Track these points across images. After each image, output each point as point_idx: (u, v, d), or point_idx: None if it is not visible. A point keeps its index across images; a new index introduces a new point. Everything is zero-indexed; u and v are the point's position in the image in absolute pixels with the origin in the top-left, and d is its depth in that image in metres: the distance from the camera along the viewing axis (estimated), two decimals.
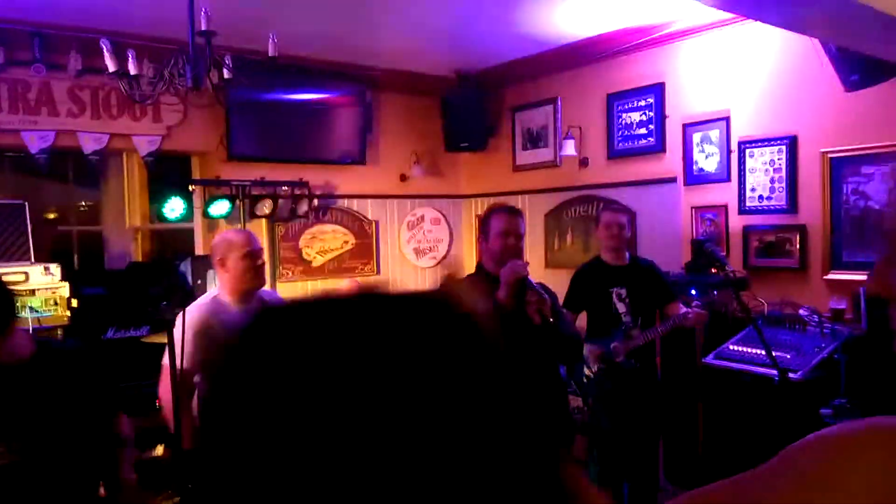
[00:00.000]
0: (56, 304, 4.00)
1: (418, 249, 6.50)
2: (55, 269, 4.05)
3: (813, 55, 3.89)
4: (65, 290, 4.05)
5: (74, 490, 1.97)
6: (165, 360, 2.68)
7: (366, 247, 6.14)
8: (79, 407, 2.01)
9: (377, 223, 6.22)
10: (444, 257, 6.63)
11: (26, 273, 3.94)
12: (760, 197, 4.36)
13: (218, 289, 2.90)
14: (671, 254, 4.76)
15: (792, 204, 4.21)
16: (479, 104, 6.04)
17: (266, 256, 5.50)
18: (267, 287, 3.32)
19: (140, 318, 4.32)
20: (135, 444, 2.42)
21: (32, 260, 4.10)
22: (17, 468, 1.85)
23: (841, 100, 3.85)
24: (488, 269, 2.88)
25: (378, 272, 6.21)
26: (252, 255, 2.84)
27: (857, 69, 3.42)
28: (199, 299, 2.91)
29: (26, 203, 4.22)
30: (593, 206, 5.46)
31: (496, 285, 2.71)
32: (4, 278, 3.80)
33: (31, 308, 3.89)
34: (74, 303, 4.07)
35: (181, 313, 2.71)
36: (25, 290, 3.92)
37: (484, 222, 2.94)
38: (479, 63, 5.79)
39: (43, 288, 3.97)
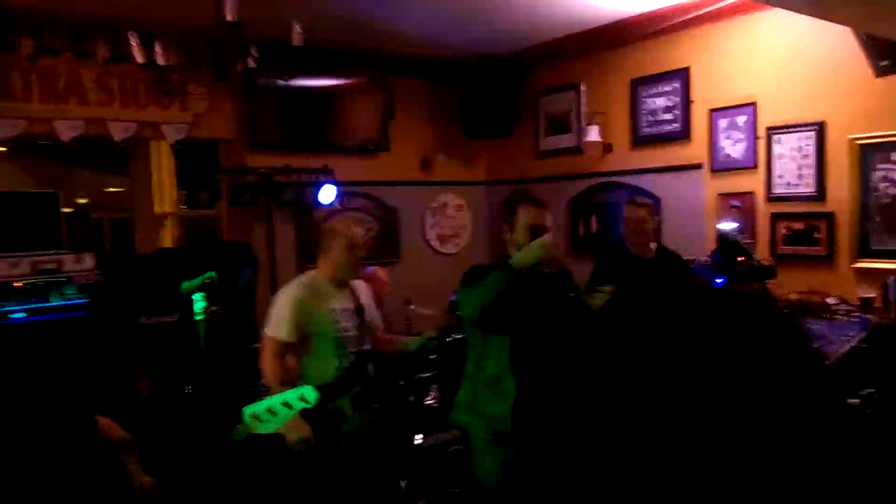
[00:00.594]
0: (89, 290, 4.10)
1: (441, 236, 6.52)
2: (88, 256, 4.14)
3: (842, 40, 3.82)
4: (97, 276, 4.15)
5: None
6: (268, 331, 2.84)
7: (389, 234, 6.18)
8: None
9: (400, 210, 6.25)
10: (468, 244, 6.64)
11: (60, 261, 4.04)
12: (788, 184, 4.31)
13: (317, 270, 3.01)
14: (696, 242, 4.73)
15: (820, 191, 4.16)
16: (502, 90, 6.01)
17: (290, 244, 5.60)
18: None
19: (170, 304, 4.40)
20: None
21: (65, 248, 4.19)
22: None
23: (870, 85, 3.78)
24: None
25: (400, 259, 6.25)
26: (356, 248, 2.94)
27: (886, 55, 3.36)
28: (298, 277, 3.03)
29: (59, 192, 4.31)
30: (617, 193, 5.43)
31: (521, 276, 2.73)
32: (38, 266, 3.93)
33: (65, 295, 3.99)
34: (105, 289, 4.16)
35: (282, 289, 2.92)
36: (59, 279, 4.02)
37: (509, 211, 2.83)
38: (502, 48, 5.76)
39: (76, 275, 4.07)
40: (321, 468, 2.78)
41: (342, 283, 3.00)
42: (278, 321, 2.85)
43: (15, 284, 3.86)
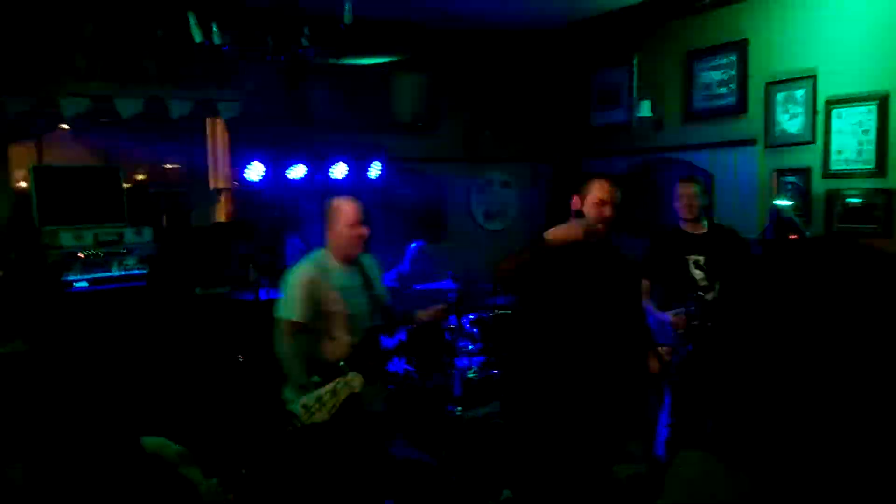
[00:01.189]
0: (148, 262, 4.26)
1: (487, 213, 6.53)
2: (147, 230, 4.30)
3: None
4: (155, 249, 4.31)
5: None
6: (281, 313, 2.86)
7: (436, 211, 6.22)
8: None
9: (447, 187, 6.27)
10: (514, 220, 6.63)
11: (121, 234, 4.21)
12: (847, 160, 4.17)
13: (326, 248, 3.04)
14: (749, 219, 4.62)
15: (881, 167, 4.01)
16: (552, 65, 5.95)
17: None
18: None
19: (224, 277, 4.56)
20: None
21: (126, 221, 4.36)
22: None
23: None
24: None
25: (447, 235, 6.29)
26: (359, 225, 2.97)
27: None
28: (307, 256, 3.06)
29: (120, 167, 4.47)
30: (669, 169, 5.33)
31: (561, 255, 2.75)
32: (101, 238, 4.09)
33: (125, 266, 4.16)
34: (163, 261, 4.32)
35: (290, 270, 2.94)
36: (120, 251, 4.19)
37: (581, 190, 2.87)
38: (553, 22, 5.69)
39: (136, 247, 4.24)
40: (340, 443, 2.80)
41: (349, 260, 3.01)
42: (290, 302, 2.85)
43: (79, 255, 4.05)
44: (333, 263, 2.98)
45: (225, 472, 2.26)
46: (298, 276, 2.90)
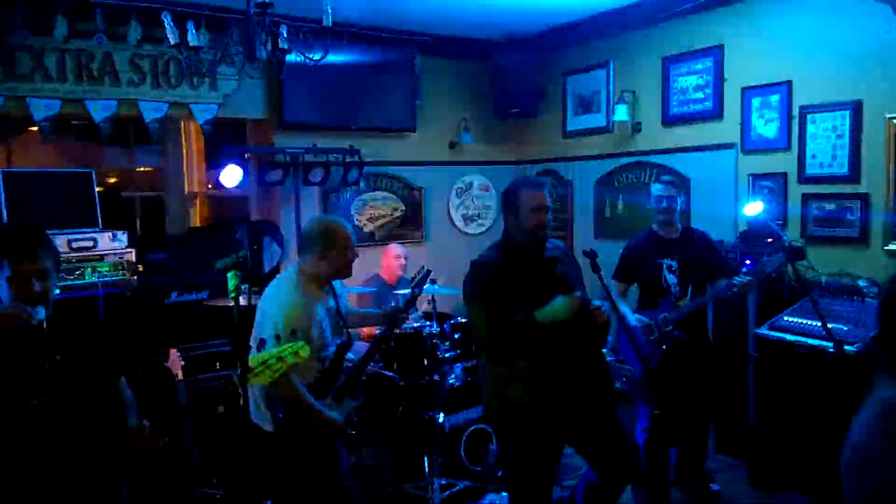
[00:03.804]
0: (123, 269, 4.17)
1: (467, 216, 6.53)
2: (122, 235, 4.21)
3: (881, 18, 3.73)
4: (131, 255, 4.22)
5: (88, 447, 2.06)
6: (267, 336, 2.65)
7: (415, 214, 6.20)
8: (81, 368, 2.12)
9: (426, 190, 6.26)
10: (493, 224, 6.64)
11: (95, 239, 4.12)
12: (821, 164, 4.24)
13: (300, 271, 2.86)
14: (726, 223, 4.68)
15: (854, 172, 4.08)
16: (530, 69, 5.97)
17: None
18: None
19: (201, 283, 4.48)
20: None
21: (100, 226, 4.27)
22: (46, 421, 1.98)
23: None
24: (517, 240, 2.86)
25: (426, 239, 6.28)
26: (353, 248, 2.89)
27: None
28: (289, 281, 2.85)
29: (93, 171, 4.38)
30: (646, 173, 5.38)
31: (525, 257, 2.78)
32: (74, 244, 4.01)
33: (99, 273, 4.07)
34: (140, 267, 4.24)
35: (278, 292, 2.80)
36: (94, 256, 4.10)
37: (510, 200, 2.85)
38: (531, 27, 5.71)
39: (110, 253, 4.15)
40: (316, 458, 2.80)
41: (329, 283, 2.92)
42: (279, 328, 2.63)
43: None
44: (315, 290, 2.85)
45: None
46: (290, 303, 2.73)
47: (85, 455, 2.05)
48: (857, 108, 4.04)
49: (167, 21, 3.32)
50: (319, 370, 2.82)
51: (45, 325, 1.98)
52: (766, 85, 4.49)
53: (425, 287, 3.74)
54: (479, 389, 4.24)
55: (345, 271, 2.92)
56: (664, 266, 3.77)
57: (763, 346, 3.94)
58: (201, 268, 4.48)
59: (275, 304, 2.78)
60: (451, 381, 4.26)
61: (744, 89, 4.63)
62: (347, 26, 5.33)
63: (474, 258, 2.90)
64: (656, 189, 3.87)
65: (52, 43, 4.45)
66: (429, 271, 3.39)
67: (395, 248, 5.32)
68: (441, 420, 4.01)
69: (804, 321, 3.75)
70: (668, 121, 5.18)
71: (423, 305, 4.88)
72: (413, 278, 3.39)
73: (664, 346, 3.61)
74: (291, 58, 3.68)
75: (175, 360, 3.84)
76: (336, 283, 3.04)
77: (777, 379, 3.87)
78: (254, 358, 2.26)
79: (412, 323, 4.41)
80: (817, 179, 4.26)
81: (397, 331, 4.26)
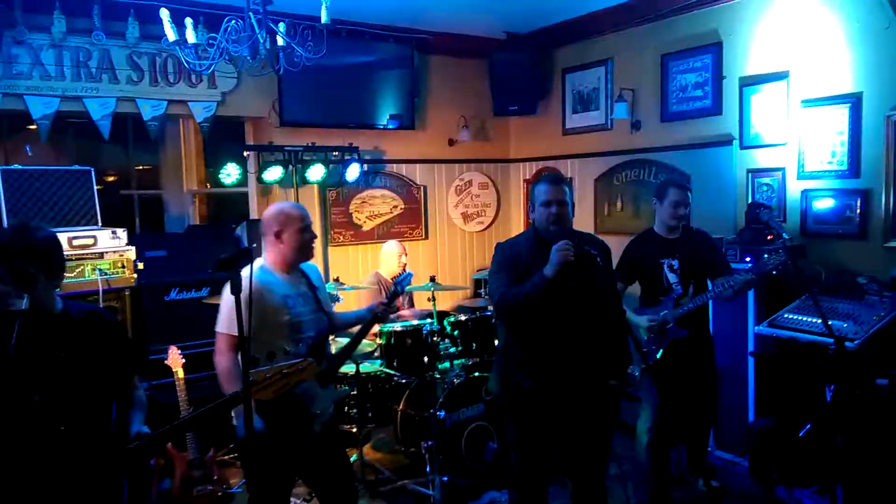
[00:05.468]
0: (123, 266, 4.17)
1: (466, 214, 6.53)
2: (122, 232, 4.21)
3: (879, 12, 3.72)
4: (131, 252, 4.21)
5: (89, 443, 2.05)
6: (220, 328, 2.72)
7: (414, 211, 6.20)
8: (93, 366, 2.10)
9: (425, 188, 6.26)
10: (492, 222, 6.65)
11: (95, 237, 4.11)
12: (821, 160, 4.24)
13: (265, 259, 2.89)
14: (725, 219, 4.68)
15: (854, 168, 4.08)
16: (529, 67, 5.96)
17: (317, 221, 5.65)
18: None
19: (200, 280, 4.47)
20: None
21: (100, 224, 4.26)
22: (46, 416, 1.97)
23: None
24: (540, 231, 2.98)
25: (426, 237, 6.28)
26: (309, 229, 2.89)
27: None
28: (245, 270, 2.75)
29: (92, 169, 4.37)
30: (645, 171, 5.38)
31: (546, 246, 2.83)
32: (75, 242, 4.00)
33: (100, 270, 4.06)
34: (140, 265, 4.23)
35: (227, 283, 2.68)
36: (94, 254, 4.09)
37: (530, 195, 3.07)
38: (530, 24, 5.70)
39: (110, 251, 4.14)
40: (296, 450, 2.78)
41: (292, 269, 2.89)
42: (228, 316, 2.67)
43: None
44: (276, 273, 2.85)
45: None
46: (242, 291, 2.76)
47: (86, 454, 2.04)
48: (856, 104, 4.04)
49: (165, 19, 3.31)
50: (295, 354, 2.69)
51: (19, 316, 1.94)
52: (765, 81, 4.49)
53: (427, 285, 3.72)
54: (481, 387, 4.25)
55: (304, 251, 2.89)
56: (665, 265, 3.76)
57: (763, 343, 3.93)
58: (201, 265, 4.48)
59: (224, 295, 2.76)
60: (451, 379, 4.26)
61: (742, 86, 4.63)
62: (346, 24, 5.32)
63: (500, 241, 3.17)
64: (674, 194, 3.76)
65: (50, 40, 4.45)
66: (410, 276, 3.58)
67: (394, 246, 5.31)
68: (441, 417, 4.01)
69: (804, 318, 3.75)
70: (667, 118, 5.18)
71: (422, 303, 4.89)
72: (397, 275, 3.47)
73: (664, 345, 3.62)
74: (291, 56, 3.67)
75: (175, 358, 3.85)
76: (313, 275, 3.01)
77: (777, 376, 3.87)
78: (258, 372, 2.23)
79: (412, 321, 4.41)
80: (817, 176, 4.26)
81: (397, 329, 4.28)
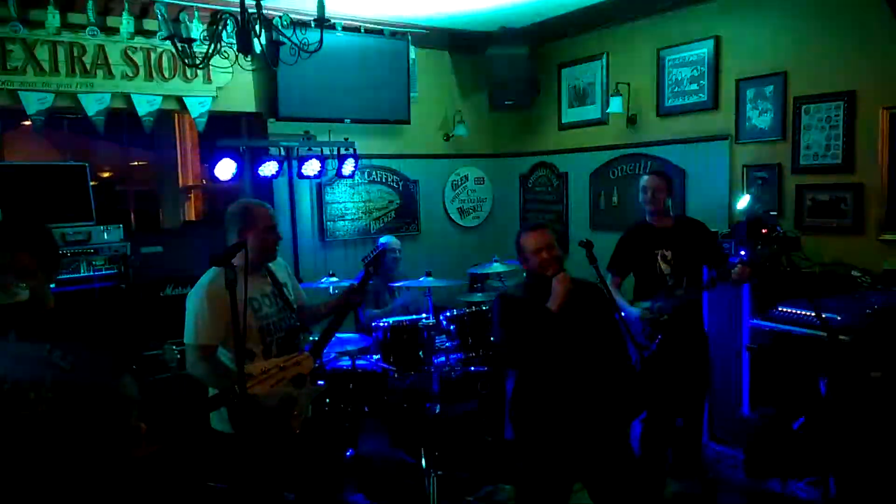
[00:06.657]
0: (118, 262, 4.16)
1: (462, 209, 6.53)
2: (116, 229, 4.20)
3: (874, 8, 3.73)
4: (126, 249, 4.20)
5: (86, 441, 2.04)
6: (190, 340, 2.64)
7: (410, 206, 6.20)
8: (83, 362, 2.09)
9: (421, 183, 6.25)
10: (488, 217, 6.65)
11: (89, 233, 4.10)
12: (816, 155, 4.25)
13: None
14: (721, 213, 4.70)
15: (848, 162, 4.10)
16: (525, 61, 5.96)
17: (313, 217, 5.64)
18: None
19: (196, 276, 4.46)
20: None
21: (94, 220, 4.25)
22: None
23: None
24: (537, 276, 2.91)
25: (421, 231, 6.28)
26: (274, 230, 2.82)
27: None
28: (205, 275, 2.78)
29: (87, 165, 4.36)
30: (640, 165, 5.39)
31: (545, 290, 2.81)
32: (69, 238, 3.99)
33: (94, 267, 4.06)
34: (135, 261, 4.23)
35: (191, 292, 2.71)
36: (89, 250, 4.08)
37: (517, 246, 2.96)
38: (525, 18, 5.69)
39: (105, 247, 4.13)
40: (275, 451, 2.70)
41: (257, 268, 2.80)
42: (199, 326, 2.61)
43: None
44: (239, 275, 2.83)
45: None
46: (202, 297, 2.65)
47: (85, 452, 2.04)
48: (851, 99, 4.05)
49: (160, 13, 3.30)
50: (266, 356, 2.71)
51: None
52: (761, 76, 4.49)
53: (423, 279, 3.70)
54: (477, 382, 4.26)
55: (267, 253, 2.82)
56: (658, 256, 3.77)
57: (758, 336, 3.95)
58: (196, 261, 4.46)
59: (189, 304, 2.72)
60: (447, 373, 4.26)
61: (738, 80, 4.64)
62: (342, 18, 5.31)
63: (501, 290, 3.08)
64: (641, 181, 3.87)
65: (44, 35, 4.42)
66: (383, 251, 3.44)
67: (390, 241, 5.30)
68: (438, 412, 4.02)
69: (799, 311, 3.76)
70: (663, 112, 5.18)
71: (419, 298, 4.88)
72: (366, 257, 3.34)
73: (659, 336, 3.62)
74: (285, 50, 3.67)
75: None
76: (279, 272, 2.97)
77: (772, 368, 3.89)
78: (255, 367, 2.22)
79: (409, 315, 4.41)
80: (812, 170, 4.27)
81: (396, 324, 4.27)
